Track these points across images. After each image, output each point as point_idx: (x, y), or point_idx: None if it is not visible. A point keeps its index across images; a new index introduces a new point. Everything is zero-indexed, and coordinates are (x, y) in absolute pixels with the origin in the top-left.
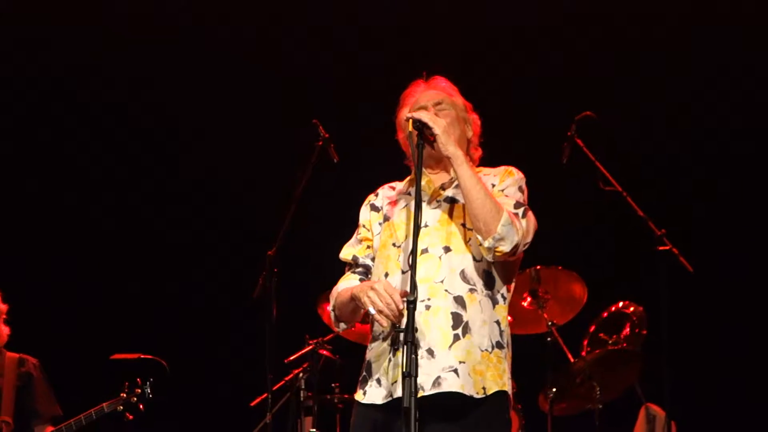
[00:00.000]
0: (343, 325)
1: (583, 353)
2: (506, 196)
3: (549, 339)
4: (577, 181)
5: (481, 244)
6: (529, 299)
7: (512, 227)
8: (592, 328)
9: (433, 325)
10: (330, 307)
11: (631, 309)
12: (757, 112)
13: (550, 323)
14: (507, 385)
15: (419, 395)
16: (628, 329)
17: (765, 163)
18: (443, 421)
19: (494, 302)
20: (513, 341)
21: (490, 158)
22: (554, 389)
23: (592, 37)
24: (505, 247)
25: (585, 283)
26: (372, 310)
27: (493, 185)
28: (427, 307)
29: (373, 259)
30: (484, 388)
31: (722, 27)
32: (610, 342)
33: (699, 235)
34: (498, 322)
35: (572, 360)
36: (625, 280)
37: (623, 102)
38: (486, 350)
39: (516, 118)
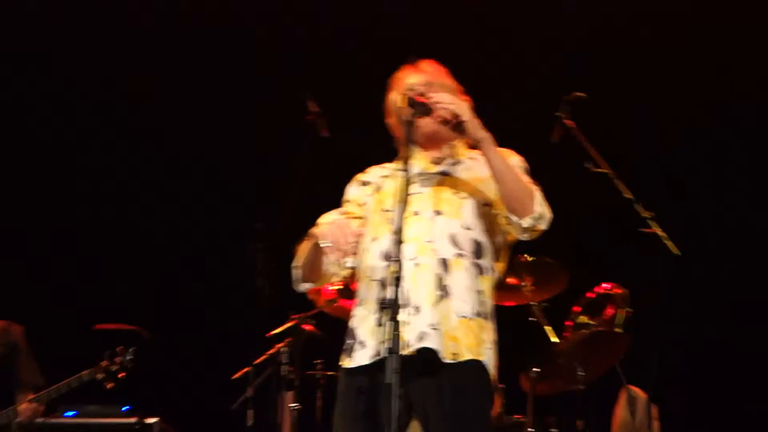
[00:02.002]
0: (306, 285)
1: (566, 334)
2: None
3: (532, 320)
4: (566, 161)
5: (510, 224)
6: (514, 279)
7: (545, 205)
8: (576, 309)
9: (420, 283)
10: (294, 264)
11: (616, 291)
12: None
13: (533, 303)
14: (485, 356)
15: (406, 352)
16: (611, 311)
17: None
18: (424, 376)
19: (480, 271)
20: (496, 317)
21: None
22: (536, 370)
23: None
24: (543, 225)
25: (570, 265)
26: (326, 244)
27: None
28: (416, 265)
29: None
30: (454, 354)
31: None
32: (593, 323)
33: (689, 219)
34: (481, 292)
35: (555, 340)
36: (612, 262)
37: (614, 81)
38: (464, 317)
39: (504, 99)
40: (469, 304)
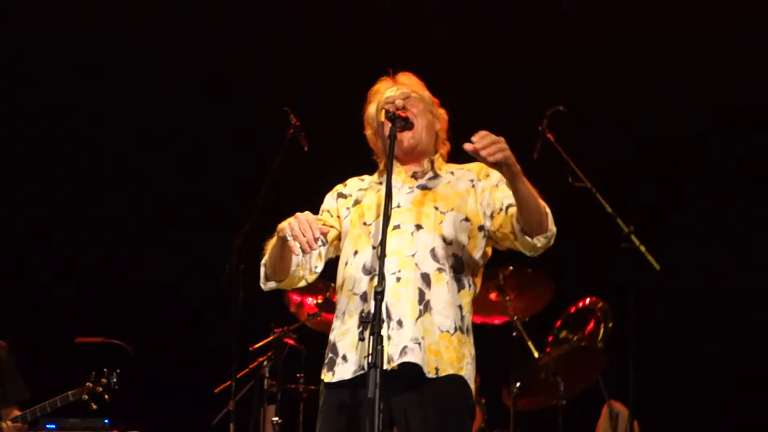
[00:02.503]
0: (271, 284)
1: (548, 349)
2: (503, 190)
3: (514, 334)
4: (547, 176)
5: (518, 241)
6: (496, 293)
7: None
8: (558, 324)
9: (402, 297)
10: (262, 262)
11: (598, 305)
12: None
13: (515, 318)
14: (464, 370)
15: (389, 367)
16: (592, 325)
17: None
18: (406, 391)
19: (460, 286)
20: (477, 335)
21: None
22: (518, 384)
23: (565, 28)
24: (552, 240)
25: (552, 281)
26: (288, 236)
27: (471, 180)
28: (398, 279)
29: (325, 236)
30: (437, 369)
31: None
32: (575, 338)
33: (669, 233)
34: (461, 307)
35: (537, 355)
36: (594, 277)
37: (595, 94)
38: (447, 331)
39: (483, 112)
40: (450, 318)
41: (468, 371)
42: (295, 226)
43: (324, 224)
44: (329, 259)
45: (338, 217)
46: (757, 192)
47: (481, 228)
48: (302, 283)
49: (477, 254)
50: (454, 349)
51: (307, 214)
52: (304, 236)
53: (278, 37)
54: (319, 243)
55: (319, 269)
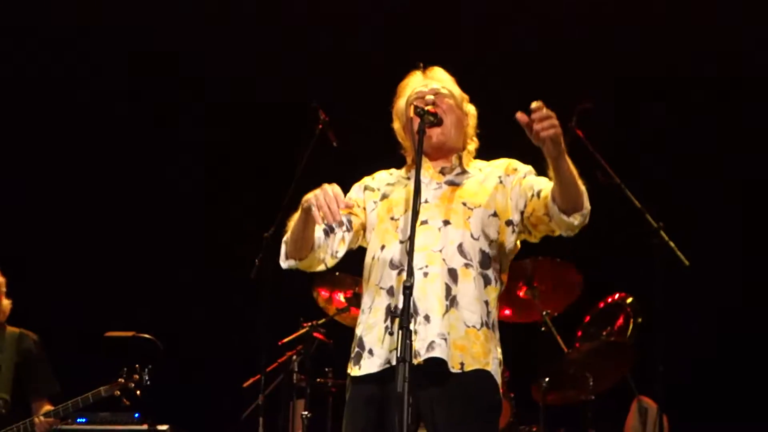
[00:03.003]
0: (290, 262)
1: (577, 344)
2: (532, 180)
3: (543, 329)
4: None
5: (554, 221)
6: (524, 288)
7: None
8: (587, 319)
9: (429, 292)
10: (284, 239)
11: (627, 301)
12: None
13: (544, 313)
14: (491, 365)
15: (415, 362)
16: (622, 320)
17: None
18: (432, 386)
19: (486, 282)
20: (507, 330)
21: (485, 149)
22: (547, 379)
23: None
24: (587, 219)
25: (581, 273)
26: (313, 206)
27: (499, 177)
28: (425, 275)
29: (350, 222)
30: (462, 364)
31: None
32: (604, 333)
33: (700, 228)
34: (487, 302)
35: (566, 350)
36: (623, 273)
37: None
38: (473, 327)
39: (510, 107)
40: (476, 314)
41: (494, 366)
42: (321, 196)
43: (352, 214)
44: (351, 249)
45: (363, 208)
46: None
47: (509, 223)
48: (321, 267)
49: (505, 249)
50: (481, 344)
51: (334, 185)
52: (329, 207)
53: (304, 33)
54: (344, 225)
55: (340, 254)
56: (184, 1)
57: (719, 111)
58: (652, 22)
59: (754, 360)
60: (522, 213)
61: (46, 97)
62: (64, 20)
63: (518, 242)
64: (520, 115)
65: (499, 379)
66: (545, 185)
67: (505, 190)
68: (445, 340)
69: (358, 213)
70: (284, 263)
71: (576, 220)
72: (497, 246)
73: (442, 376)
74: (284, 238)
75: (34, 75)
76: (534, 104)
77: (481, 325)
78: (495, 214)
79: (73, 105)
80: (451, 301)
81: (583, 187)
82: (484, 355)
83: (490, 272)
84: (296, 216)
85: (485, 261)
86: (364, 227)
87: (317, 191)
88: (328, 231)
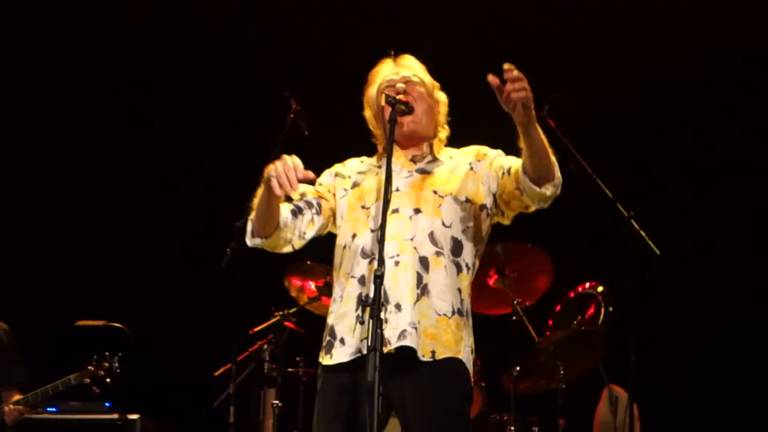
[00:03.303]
0: (256, 240)
1: (548, 333)
2: (502, 160)
3: (514, 318)
4: None
5: (526, 194)
6: (495, 277)
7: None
8: (558, 308)
9: (401, 281)
10: (250, 217)
11: (598, 290)
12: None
13: (516, 302)
14: (462, 353)
15: (388, 350)
16: (593, 310)
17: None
18: (404, 374)
19: (458, 269)
20: (478, 319)
21: (456, 136)
22: (518, 368)
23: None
24: (560, 190)
25: (552, 261)
26: (272, 176)
27: (470, 163)
28: (396, 263)
29: (320, 206)
30: (433, 352)
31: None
32: (575, 322)
33: (669, 217)
34: (460, 290)
35: (537, 339)
36: (594, 262)
37: (595, 81)
38: (444, 315)
39: (482, 95)
40: (447, 302)
41: (466, 354)
42: (279, 166)
43: (320, 193)
44: (320, 235)
45: (333, 194)
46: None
47: (482, 207)
48: (288, 248)
49: (477, 236)
50: (452, 332)
51: (294, 156)
52: (287, 176)
53: (278, 25)
54: (313, 207)
55: (308, 236)
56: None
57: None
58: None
59: (725, 349)
60: (494, 195)
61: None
62: None
63: (490, 227)
64: (491, 78)
65: (470, 367)
66: (515, 162)
67: (476, 176)
68: (416, 328)
69: (328, 198)
70: (250, 241)
71: (548, 190)
72: (470, 232)
73: (413, 364)
74: (250, 216)
75: None
76: (506, 65)
77: (453, 313)
78: (467, 200)
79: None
80: (422, 289)
81: (553, 157)
82: (455, 343)
83: (461, 259)
84: (260, 191)
85: (457, 248)
86: (333, 213)
87: (277, 162)
88: (296, 211)
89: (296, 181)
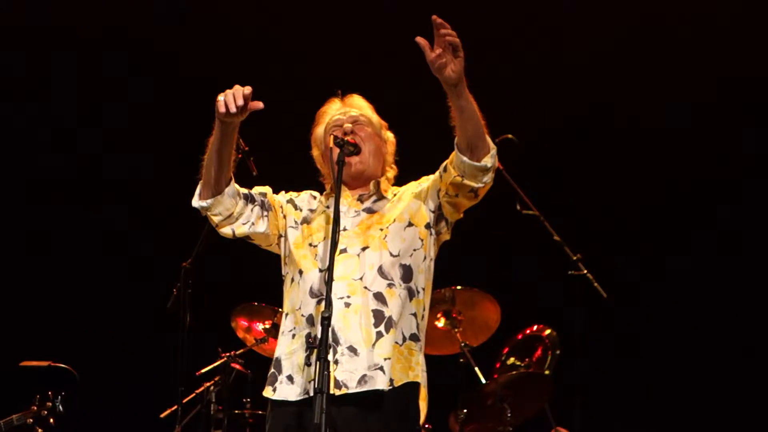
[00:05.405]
0: (201, 202)
1: (495, 375)
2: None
3: (461, 360)
4: (495, 203)
5: (467, 175)
6: (443, 320)
7: None
8: (505, 350)
9: (353, 323)
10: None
11: (545, 332)
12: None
13: (463, 344)
14: (419, 377)
15: (342, 392)
16: (540, 352)
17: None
18: (364, 412)
19: (411, 295)
20: (426, 359)
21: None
22: (465, 411)
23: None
24: (495, 164)
25: (500, 305)
26: (219, 100)
27: (412, 192)
28: (347, 305)
29: (271, 206)
30: (391, 380)
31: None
32: (522, 365)
33: (620, 261)
34: (415, 314)
35: (484, 381)
36: (542, 304)
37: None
38: (397, 343)
39: (431, 135)
40: (407, 329)
41: (421, 376)
42: (228, 90)
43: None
44: (260, 245)
45: (284, 216)
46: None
47: (427, 226)
48: (228, 229)
49: (426, 257)
50: (405, 358)
51: (246, 87)
52: (234, 95)
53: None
54: (264, 211)
55: (252, 230)
56: None
57: None
58: None
59: (671, 392)
60: (438, 201)
61: None
62: None
63: (438, 245)
64: (419, 38)
65: (424, 389)
66: (447, 161)
67: (419, 195)
68: (381, 369)
69: (278, 213)
70: (195, 202)
71: (487, 161)
72: (418, 255)
73: (371, 401)
74: (199, 176)
75: None
76: (435, 17)
77: (405, 339)
78: (410, 224)
79: None
80: (387, 324)
81: (483, 123)
82: (410, 368)
83: (412, 284)
84: (209, 142)
85: (407, 275)
86: (278, 231)
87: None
88: (249, 198)
89: (242, 99)
